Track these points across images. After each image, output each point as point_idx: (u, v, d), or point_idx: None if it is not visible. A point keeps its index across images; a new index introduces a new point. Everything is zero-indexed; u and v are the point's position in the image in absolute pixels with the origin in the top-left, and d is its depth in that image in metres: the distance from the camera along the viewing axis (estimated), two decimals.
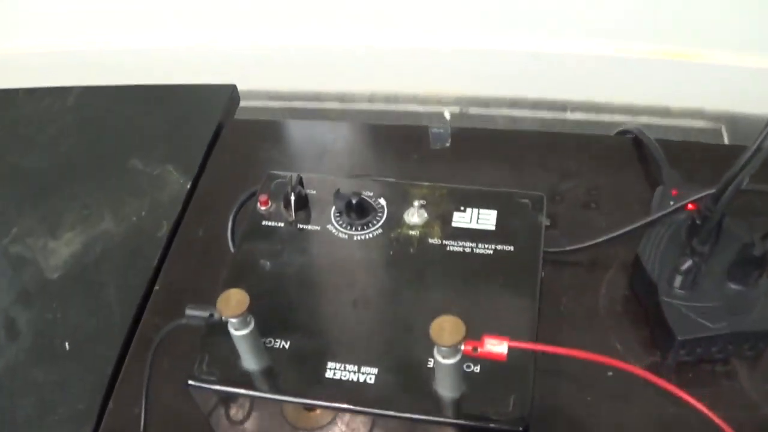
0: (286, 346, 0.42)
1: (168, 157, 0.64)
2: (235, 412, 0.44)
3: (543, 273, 0.48)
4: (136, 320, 0.53)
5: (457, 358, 0.37)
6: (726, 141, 0.76)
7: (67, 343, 0.52)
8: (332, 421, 0.42)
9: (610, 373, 0.48)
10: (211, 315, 0.39)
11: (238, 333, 0.39)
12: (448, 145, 0.63)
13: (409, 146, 0.64)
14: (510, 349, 0.37)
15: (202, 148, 0.65)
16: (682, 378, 0.47)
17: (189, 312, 0.39)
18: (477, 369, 0.40)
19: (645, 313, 0.50)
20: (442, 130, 0.63)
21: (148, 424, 0.46)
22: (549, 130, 0.77)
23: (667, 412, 0.45)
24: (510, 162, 0.61)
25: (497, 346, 0.36)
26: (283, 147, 0.66)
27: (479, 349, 0.36)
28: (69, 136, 0.67)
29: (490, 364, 0.39)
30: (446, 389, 0.39)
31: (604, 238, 0.52)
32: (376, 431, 0.42)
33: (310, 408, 0.42)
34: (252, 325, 0.39)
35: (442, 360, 0.37)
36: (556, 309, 0.51)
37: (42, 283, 0.56)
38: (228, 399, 0.42)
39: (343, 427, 0.42)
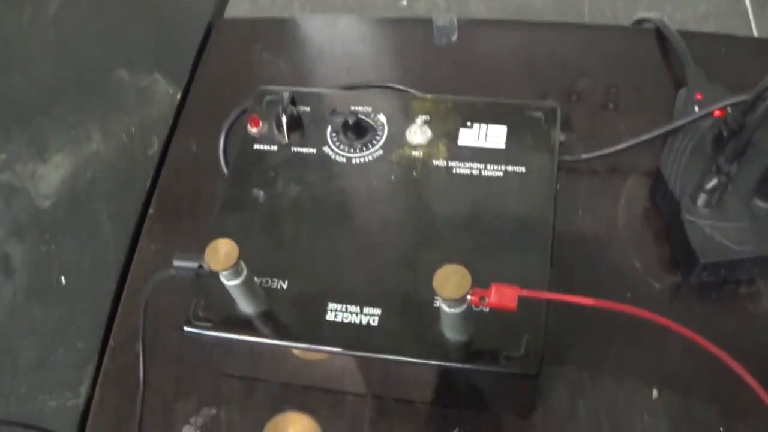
0: (284, 286, 0.40)
1: (155, 65, 0.59)
2: (234, 355, 0.43)
3: (558, 186, 0.45)
4: (132, 248, 0.51)
5: (463, 307, 0.34)
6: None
7: (63, 278, 0.50)
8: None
9: (629, 294, 0.45)
10: (200, 266, 0.36)
11: (231, 283, 0.37)
12: (454, 39, 0.58)
13: (413, 43, 0.59)
14: (521, 298, 0.34)
15: (191, 53, 0.60)
16: (704, 298, 0.45)
17: (177, 263, 0.37)
18: (486, 309, 0.38)
19: (666, 229, 0.47)
20: (447, 24, 0.58)
21: (149, 365, 0.45)
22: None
23: (678, 352, 0.43)
24: (521, 59, 0.56)
25: (505, 297, 0.34)
26: (277, 47, 0.61)
27: (487, 299, 0.34)
28: (50, 52, 0.63)
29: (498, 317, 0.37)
30: (453, 333, 0.37)
31: (623, 146, 0.49)
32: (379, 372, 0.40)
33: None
34: (245, 273, 0.37)
35: (447, 309, 0.35)
36: (572, 222, 0.48)
37: (34, 214, 0.53)
38: (225, 346, 0.41)
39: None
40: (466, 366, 0.37)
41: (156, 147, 0.55)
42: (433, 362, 0.37)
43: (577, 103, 0.54)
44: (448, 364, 0.37)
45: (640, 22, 0.57)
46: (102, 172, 0.55)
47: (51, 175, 0.55)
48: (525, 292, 0.34)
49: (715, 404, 0.41)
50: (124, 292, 0.49)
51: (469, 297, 0.34)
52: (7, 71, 0.61)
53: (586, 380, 0.43)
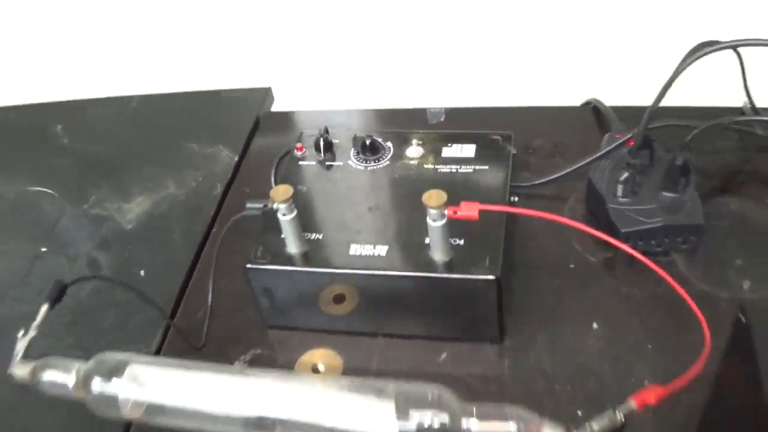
0: (320, 237, 0.56)
1: (218, 141, 0.79)
2: (281, 294, 0.57)
3: (516, 198, 0.62)
4: (198, 252, 0.67)
5: (443, 221, 0.50)
6: None
7: (142, 272, 0.66)
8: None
9: (572, 265, 0.61)
10: (265, 205, 0.53)
11: (285, 218, 0.53)
12: (442, 119, 0.78)
13: (409, 124, 0.78)
14: (481, 211, 0.50)
15: (245, 134, 0.80)
16: (629, 266, 0.60)
17: (249, 205, 0.53)
18: (461, 242, 0.53)
19: (599, 224, 0.63)
20: (437, 109, 0.78)
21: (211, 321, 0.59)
22: None
23: (623, 290, 0.58)
24: (493, 127, 0.75)
25: (470, 210, 0.50)
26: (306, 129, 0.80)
27: (458, 212, 0.50)
28: (133, 130, 0.83)
29: (471, 238, 0.53)
30: (438, 253, 0.52)
31: (563, 172, 0.66)
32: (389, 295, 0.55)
33: (338, 300, 0.55)
34: (295, 212, 0.53)
35: (432, 223, 0.50)
36: (528, 228, 0.64)
37: (118, 232, 0.70)
38: (276, 280, 0.56)
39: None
40: (447, 275, 0.52)
41: (219, 190, 0.73)
42: (423, 274, 0.52)
43: (533, 154, 0.72)
44: (435, 275, 0.52)
45: (587, 103, 0.77)
46: (175, 207, 0.72)
47: (133, 209, 0.72)
48: (484, 206, 0.50)
49: (642, 328, 0.55)
50: (192, 279, 0.65)
51: (446, 211, 0.50)
52: (98, 141, 0.81)
53: (545, 318, 0.57)
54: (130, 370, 0.36)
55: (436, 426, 0.33)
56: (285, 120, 0.83)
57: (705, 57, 0.56)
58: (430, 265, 0.52)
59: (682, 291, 0.48)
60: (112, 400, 0.36)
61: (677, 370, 0.42)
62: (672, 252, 0.60)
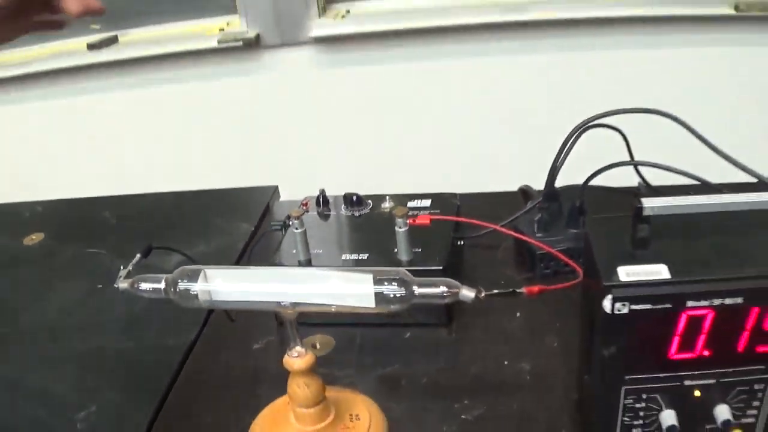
0: (320, 252, 0.78)
1: (238, 218, 1.03)
2: None
3: (462, 242, 0.86)
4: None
5: (406, 228, 0.73)
6: None
7: None
8: None
9: (503, 282, 0.83)
10: (284, 222, 0.76)
11: (298, 231, 0.76)
12: None
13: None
14: (432, 221, 0.73)
15: (258, 214, 1.03)
16: (545, 282, 0.82)
17: (272, 223, 0.76)
18: (419, 249, 0.76)
19: (522, 257, 0.86)
20: None
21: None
22: None
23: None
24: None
25: (424, 219, 0.73)
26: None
27: (417, 220, 0.73)
28: (171, 214, 1.07)
29: (426, 246, 0.75)
30: (403, 255, 0.75)
31: (496, 225, 0.89)
32: None
33: None
34: (304, 228, 0.76)
35: (399, 230, 0.73)
36: (470, 261, 0.87)
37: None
38: None
39: None
40: (408, 268, 0.74)
41: (240, 245, 0.95)
42: (392, 268, 0.74)
43: None
44: (400, 267, 0.74)
45: (521, 188, 1.02)
46: (207, 255, 0.94)
47: (173, 260, 0.93)
48: (434, 217, 0.73)
49: (552, 315, 0.76)
50: None
51: (408, 220, 0.73)
52: (141, 220, 1.04)
53: (482, 311, 0.78)
54: (202, 273, 0.57)
55: (396, 287, 0.54)
56: (288, 206, 1.07)
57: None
58: (398, 263, 0.74)
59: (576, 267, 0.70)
60: (190, 293, 0.57)
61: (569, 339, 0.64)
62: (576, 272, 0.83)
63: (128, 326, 0.82)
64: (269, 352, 0.77)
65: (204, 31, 1.91)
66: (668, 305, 0.50)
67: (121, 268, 0.62)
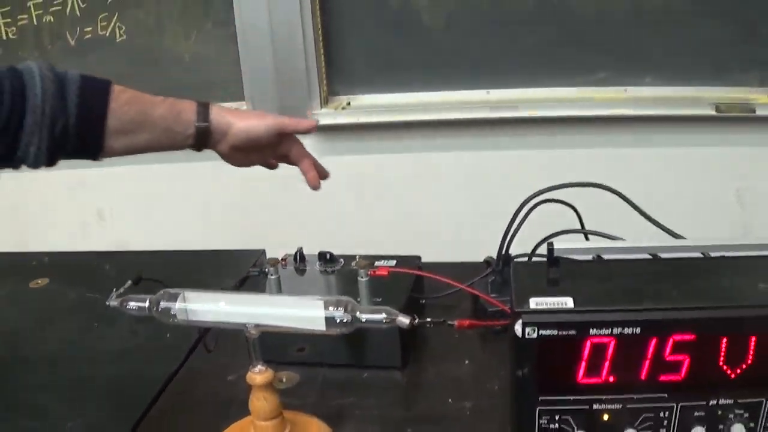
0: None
1: (225, 275, 1.12)
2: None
3: (424, 301, 0.95)
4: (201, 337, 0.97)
5: (367, 278, 0.83)
6: None
7: (168, 334, 0.95)
8: None
9: (456, 335, 0.91)
10: (260, 270, 0.85)
11: (272, 277, 0.85)
12: None
13: None
14: (390, 272, 0.83)
15: (246, 269, 1.13)
16: (497, 340, 0.90)
17: (251, 269, 0.86)
18: (380, 299, 0.85)
19: (477, 315, 0.95)
20: None
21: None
22: None
23: (488, 345, 0.88)
24: None
25: (383, 271, 0.83)
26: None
27: (377, 272, 0.83)
28: (159, 269, 1.16)
29: (386, 298, 0.84)
30: (365, 301, 0.84)
31: (456, 288, 0.98)
32: None
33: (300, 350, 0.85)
34: (279, 275, 0.85)
35: (360, 279, 0.83)
36: (434, 314, 0.95)
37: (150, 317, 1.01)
38: None
39: None
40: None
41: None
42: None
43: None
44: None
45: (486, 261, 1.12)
46: None
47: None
48: (392, 269, 0.83)
49: (495, 361, 0.84)
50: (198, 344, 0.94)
51: (370, 271, 0.83)
52: (131, 270, 1.12)
53: (435, 358, 0.86)
54: (181, 295, 0.66)
55: (342, 313, 0.63)
56: None
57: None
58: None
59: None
60: (170, 312, 0.66)
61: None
62: None
63: (118, 358, 0.91)
64: (240, 383, 0.85)
65: None
66: (573, 332, 0.59)
67: (114, 290, 0.71)
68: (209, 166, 2.06)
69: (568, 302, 0.60)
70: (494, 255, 1.10)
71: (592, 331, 0.59)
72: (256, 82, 1.98)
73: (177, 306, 0.67)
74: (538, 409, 0.62)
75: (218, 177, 2.06)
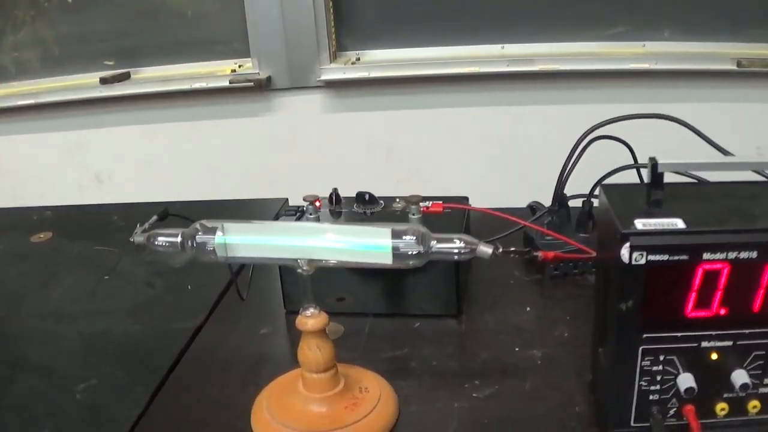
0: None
1: None
2: None
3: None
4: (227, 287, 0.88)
5: (420, 215, 0.74)
6: None
7: (189, 286, 0.86)
8: None
9: (512, 281, 0.83)
10: (297, 210, 0.76)
11: (312, 216, 0.76)
12: None
13: None
14: (444, 208, 0.74)
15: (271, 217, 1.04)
16: (555, 285, 0.82)
17: (286, 209, 0.77)
18: None
19: (530, 261, 0.86)
20: None
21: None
22: None
23: (546, 292, 0.80)
24: None
25: (437, 207, 0.74)
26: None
27: (430, 208, 0.74)
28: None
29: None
30: None
31: (506, 233, 0.90)
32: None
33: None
34: (318, 215, 0.76)
35: (412, 217, 0.74)
36: (480, 265, 0.87)
37: (169, 269, 0.91)
38: None
39: None
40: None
41: None
42: None
43: None
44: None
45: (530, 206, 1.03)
46: None
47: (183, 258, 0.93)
48: (447, 205, 0.74)
49: (561, 311, 0.76)
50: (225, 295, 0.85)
51: (421, 207, 0.74)
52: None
53: (492, 305, 0.78)
54: (220, 227, 0.57)
55: (414, 242, 0.54)
56: None
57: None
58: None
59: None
60: (207, 247, 0.57)
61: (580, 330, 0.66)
62: (585, 274, 0.83)
63: (135, 312, 0.81)
64: (276, 337, 0.76)
65: (216, 71, 1.95)
66: (684, 257, 0.50)
67: (138, 225, 0.62)
68: (211, 126, 1.99)
69: (678, 223, 0.51)
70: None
71: (705, 256, 0.51)
72: (263, 38, 1.88)
73: (216, 240, 0.57)
74: (641, 349, 0.53)
75: (221, 136, 1.98)
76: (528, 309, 0.77)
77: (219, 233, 0.57)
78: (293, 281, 0.78)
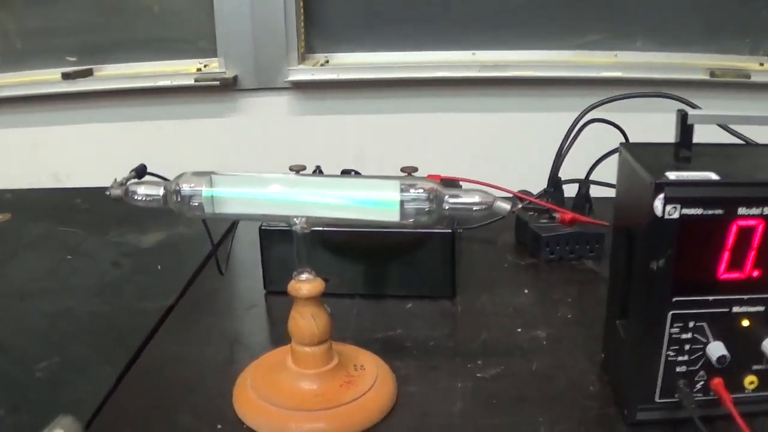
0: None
1: None
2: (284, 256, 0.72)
3: (461, 230, 0.82)
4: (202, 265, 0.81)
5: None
6: None
7: (159, 266, 0.80)
8: None
9: (506, 265, 0.78)
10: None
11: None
12: None
13: None
14: (442, 179, 0.70)
15: None
16: (551, 269, 0.78)
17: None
18: None
19: (522, 246, 0.82)
20: None
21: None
22: None
23: (543, 276, 0.76)
24: None
25: (434, 178, 0.70)
26: None
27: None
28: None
29: None
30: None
31: (494, 219, 0.85)
32: None
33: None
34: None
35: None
36: (472, 251, 0.82)
37: (137, 249, 0.85)
38: (282, 242, 0.71)
39: None
40: (414, 230, 0.69)
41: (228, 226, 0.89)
42: (396, 230, 0.69)
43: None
44: (406, 230, 0.69)
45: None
46: (186, 240, 0.88)
47: (149, 239, 0.87)
48: (443, 176, 0.69)
49: (560, 293, 0.72)
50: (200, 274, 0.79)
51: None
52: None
53: (488, 286, 0.73)
54: (208, 179, 0.51)
55: (425, 195, 0.49)
56: None
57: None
58: (401, 228, 0.69)
59: None
60: (192, 201, 0.51)
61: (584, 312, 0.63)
62: (582, 258, 0.79)
63: (102, 291, 0.74)
64: (255, 318, 0.70)
65: (181, 70, 1.89)
66: (719, 211, 0.47)
67: (114, 179, 0.56)
68: (176, 126, 1.92)
69: (712, 176, 0.48)
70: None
71: (741, 211, 0.47)
72: (231, 37, 1.82)
73: (203, 193, 0.52)
74: (670, 315, 0.49)
75: (186, 136, 1.91)
76: (526, 291, 0.73)
77: (206, 186, 0.52)
78: (276, 257, 0.72)
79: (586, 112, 0.81)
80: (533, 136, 1.84)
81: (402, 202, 0.50)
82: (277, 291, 0.73)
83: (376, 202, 0.50)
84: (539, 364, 0.60)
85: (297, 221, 0.51)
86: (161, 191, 0.53)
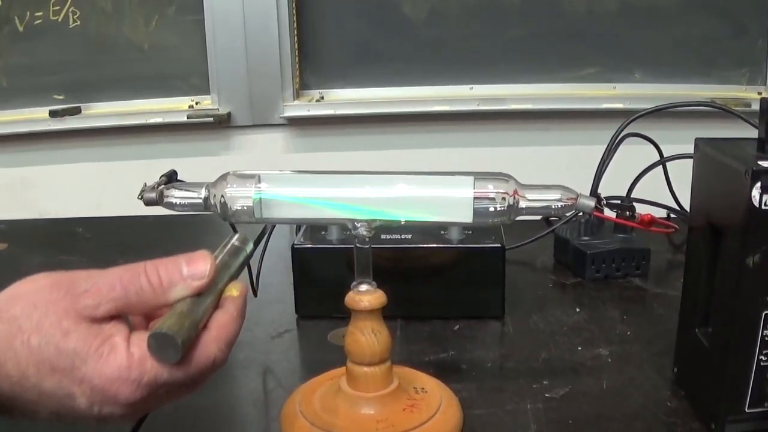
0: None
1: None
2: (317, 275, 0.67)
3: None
4: None
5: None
6: None
7: None
8: None
9: (550, 285, 0.74)
10: None
11: None
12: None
13: None
14: None
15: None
16: (598, 288, 0.73)
17: None
18: (470, 232, 0.67)
19: (567, 265, 0.78)
20: None
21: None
22: None
23: (593, 294, 0.71)
24: None
25: None
26: None
27: None
28: (145, 232, 0.95)
29: (477, 230, 0.66)
30: (454, 233, 0.65)
31: (537, 236, 0.81)
32: None
33: None
34: None
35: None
36: (514, 271, 0.77)
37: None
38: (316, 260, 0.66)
39: None
40: (461, 245, 0.65)
41: None
42: (441, 245, 0.65)
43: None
44: (451, 245, 0.65)
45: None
46: None
47: None
48: None
49: (614, 311, 0.67)
50: None
51: None
52: (116, 235, 0.91)
53: (538, 306, 0.69)
54: (255, 179, 0.46)
55: (502, 192, 0.45)
56: None
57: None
58: (447, 241, 0.65)
59: None
60: (239, 205, 0.46)
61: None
62: (628, 276, 0.75)
63: None
64: (288, 343, 0.65)
65: (173, 108, 1.85)
66: None
67: (145, 183, 0.51)
68: (168, 164, 1.86)
69: None
70: None
71: None
72: (224, 73, 1.79)
73: (252, 195, 0.47)
74: (764, 315, 0.45)
75: (179, 175, 1.85)
76: (578, 310, 0.68)
77: (254, 187, 0.47)
78: (307, 282, 0.67)
79: (627, 124, 0.78)
80: (534, 170, 1.81)
81: (475, 200, 0.46)
82: (309, 315, 0.68)
83: (448, 204, 0.46)
84: (609, 382, 0.56)
85: (359, 225, 0.47)
86: (202, 193, 0.48)
